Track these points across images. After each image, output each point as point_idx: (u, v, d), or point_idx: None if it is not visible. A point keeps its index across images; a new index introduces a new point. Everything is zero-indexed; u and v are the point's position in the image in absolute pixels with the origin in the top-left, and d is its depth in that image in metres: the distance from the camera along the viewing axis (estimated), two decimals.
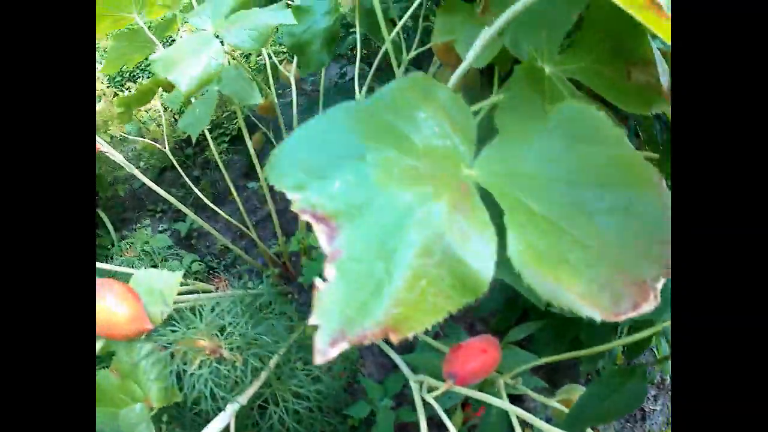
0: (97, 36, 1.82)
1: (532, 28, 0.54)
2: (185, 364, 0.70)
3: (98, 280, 0.74)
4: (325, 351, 0.29)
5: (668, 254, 0.36)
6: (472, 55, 0.56)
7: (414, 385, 0.70)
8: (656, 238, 0.36)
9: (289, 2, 1.58)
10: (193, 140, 1.11)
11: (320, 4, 1.01)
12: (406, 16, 0.85)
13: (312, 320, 0.30)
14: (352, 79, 1.70)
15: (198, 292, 1.06)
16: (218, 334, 0.70)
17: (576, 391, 0.89)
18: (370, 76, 0.97)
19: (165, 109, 1.70)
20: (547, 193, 0.38)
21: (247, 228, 1.29)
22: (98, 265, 0.92)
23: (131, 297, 0.73)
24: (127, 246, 1.39)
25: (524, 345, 1.10)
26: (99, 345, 0.75)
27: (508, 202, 0.37)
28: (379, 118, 0.35)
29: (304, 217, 0.31)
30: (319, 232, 0.30)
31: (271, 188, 1.25)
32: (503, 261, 0.34)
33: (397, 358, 0.81)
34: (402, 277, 0.30)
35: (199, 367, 0.69)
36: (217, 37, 0.89)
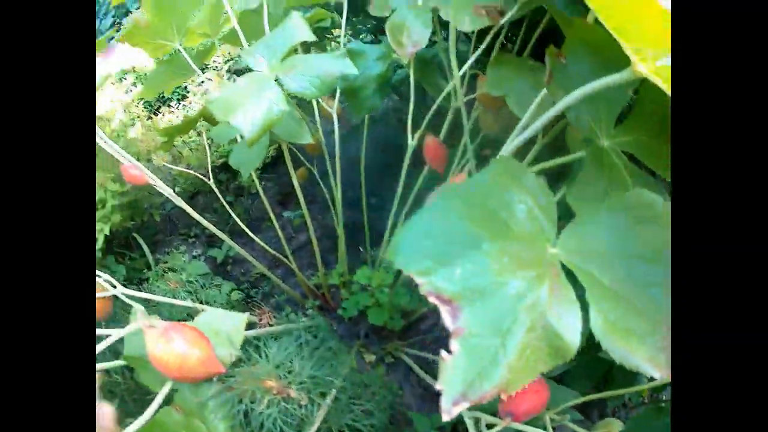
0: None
1: (592, 105, 0.62)
2: (252, 402, 0.77)
3: (167, 324, 0.78)
4: (450, 410, 0.37)
5: None
6: (536, 126, 0.63)
7: (469, 421, 0.77)
8: None
9: (328, 36, 1.66)
10: (244, 177, 1.20)
11: (373, 50, 1.09)
12: (464, 68, 0.93)
13: (438, 386, 0.37)
14: (389, 110, 1.80)
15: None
16: (285, 373, 0.77)
17: (613, 425, 0.96)
18: (426, 121, 1.05)
19: (200, 134, 1.79)
20: (614, 269, 0.46)
21: (285, 257, 1.37)
22: (144, 295, 0.99)
23: (202, 340, 0.78)
24: (163, 271, 1.47)
25: (558, 378, 1.17)
26: (167, 386, 0.81)
27: (584, 277, 0.45)
28: (485, 207, 0.43)
29: (431, 299, 0.39)
30: (444, 311, 0.38)
31: (311, 217, 1.32)
32: None
33: None
34: (514, 349, 0.38)
35: (267, 406, 0.76)
36: (276, 80, 0.96)
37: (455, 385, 0.37)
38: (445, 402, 0.37)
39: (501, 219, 0.43)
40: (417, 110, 1.08)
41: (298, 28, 1.04)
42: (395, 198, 1.15)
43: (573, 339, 0.41)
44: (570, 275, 0.45)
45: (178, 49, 1.28)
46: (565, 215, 0.51)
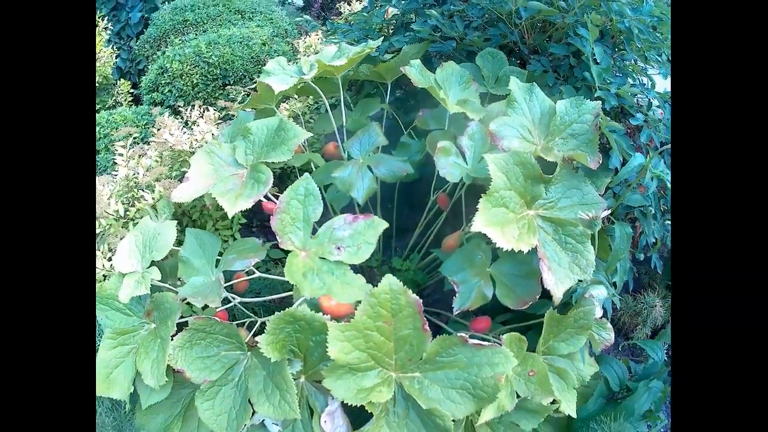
0: None
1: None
2: None
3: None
4: (454, 310, 1.76)
5: None
6: None
7: None
8: None
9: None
10: (335, 209, 2.54)
11: (416, 144, 2.39)
12: None
13: (454, 306, 1.76)
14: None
15: None
16: None
17: None
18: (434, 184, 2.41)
19: None
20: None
21: None
22: None
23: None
24: None
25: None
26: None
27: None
28: (468, 257, 1.83)
29: (452, 281, 1.77)
30: (454, 284, 1.77)
31: None
32: None
33: None
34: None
35: None
36: (368, 167, 2.27)
37: (457, 303, 1.75)
38: (455, 308, 1.76)
39: (474, 259, 1.82)
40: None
41: (377, 136, 2.37)
42: (422, 215, 2.47)
43: None
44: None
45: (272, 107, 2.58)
46: None
